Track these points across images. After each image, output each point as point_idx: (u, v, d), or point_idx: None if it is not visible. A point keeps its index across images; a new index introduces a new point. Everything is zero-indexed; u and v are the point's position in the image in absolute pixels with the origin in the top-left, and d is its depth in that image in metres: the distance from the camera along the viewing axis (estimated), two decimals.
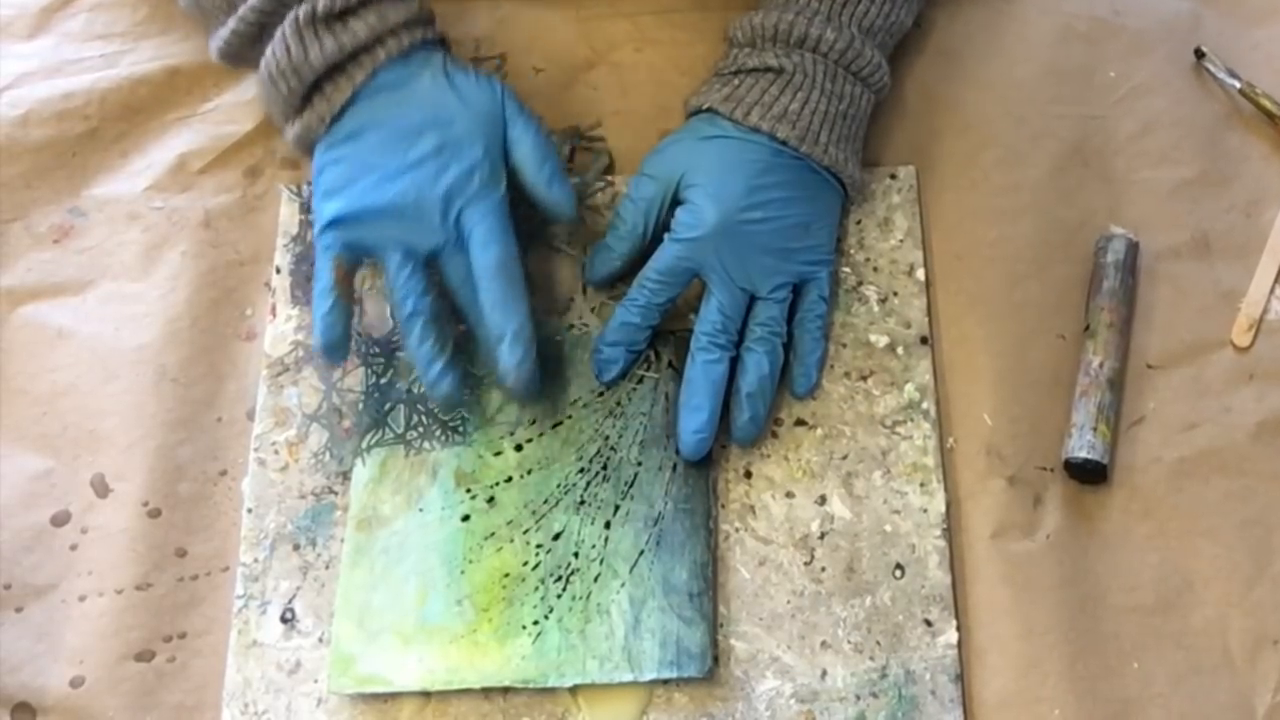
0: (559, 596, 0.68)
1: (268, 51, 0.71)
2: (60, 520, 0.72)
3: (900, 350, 0.74)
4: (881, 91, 0.77)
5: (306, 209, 0.79)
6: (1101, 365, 0.72)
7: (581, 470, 0.71)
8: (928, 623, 0.68)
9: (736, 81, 0.74)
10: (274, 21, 0.71)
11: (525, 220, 0.74)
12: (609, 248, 0.75)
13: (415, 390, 0.73)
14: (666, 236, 0.72)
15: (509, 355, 0.69)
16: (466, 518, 0.70)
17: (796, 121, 0.73)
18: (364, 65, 0.71)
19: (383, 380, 0.74)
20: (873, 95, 0.77)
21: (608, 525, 0.70)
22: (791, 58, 0.74)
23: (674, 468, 0.71)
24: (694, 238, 0.71)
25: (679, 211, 0.73)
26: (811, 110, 0.73)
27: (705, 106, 0.75)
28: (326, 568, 0.70)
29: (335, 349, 0.70)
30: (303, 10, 0.70)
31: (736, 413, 0.71)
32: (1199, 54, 0.82)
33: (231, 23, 0.72)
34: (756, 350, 0.71)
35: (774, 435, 0.73)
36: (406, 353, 0.71)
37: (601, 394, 0.73)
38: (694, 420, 0.70)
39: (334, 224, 0.70)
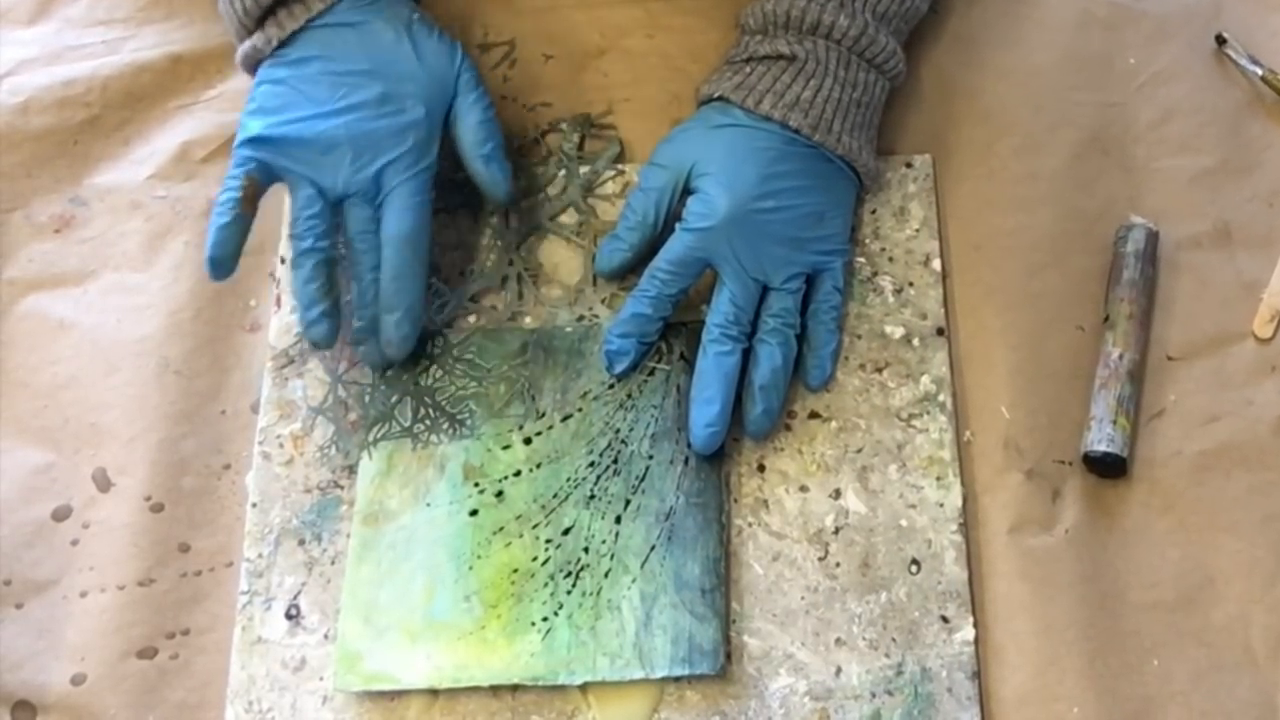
0: (569, 592, 0.67)
1: None
2: (61, 515, 0.71)
3: (916, 342, 0.74)
4: (897, 79, 0.76)
5: None
6: (1121, 357, 0.71)
7: (592, 464, 0.70)
8: (944, 619, 0.67)
9: (748, 69, 0.74)
10: None
11: (529, 206, 0.74)
12: (619, 238, 0.74)
13: (422, 383, 0.73)
14: (678, 226, 0.72)
15: (396, 329, 0.70)
16: (474, 512, 0.70)
17: (809, 110, 0.72)
18: None
19: (389, 372, 0.73)
20: (887, 82, 0.76)
21: (618, 520, 0.69)
22: (804, 45, 0.73)
23: (686, 461, 0.70)
24: (706, 227, 0.70)
25: (690, 201, 0.72)
26: (824, 98, 0.72)
27: (716, 95, 0.74)
28: (332, 563, 0.69)
29: (223, 264, 0.69)
30: None
31: (749, 405, 0.70)
32: (1220, 40, 0.81)
33: None
34: (769, 342, 0.71)
35: (787, 428, 0.72)
36: (291, 287, 0.71)
37: (612, 386, 0.72)
38: (706, 413, 0.69)
39: (255, 141, 0.70)
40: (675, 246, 0.71)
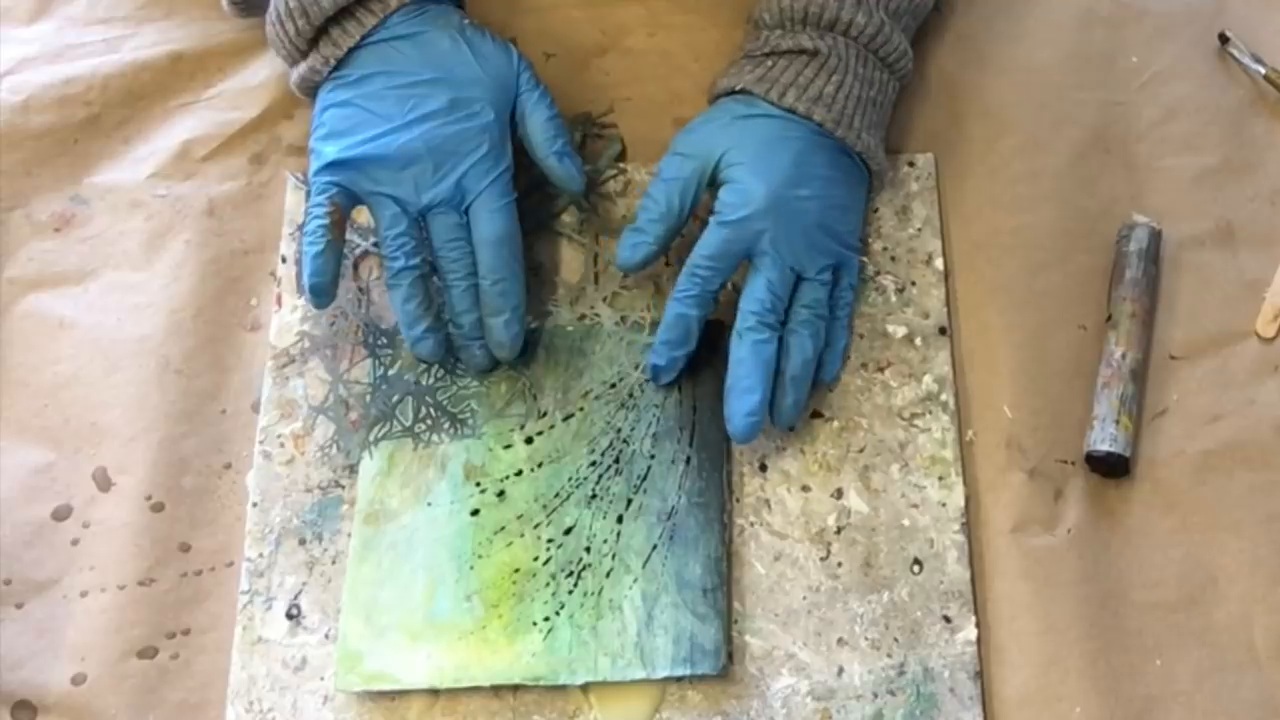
0: (570, 592, 0.67)
1: None
2: (62, 514, 0.71)
3: (918, 341, 0.73)
4: (905, 78, 0.76)
5: None
6: (1124, 356, 0.71)
7: (593, 463, 0.70)
8: (946, 619, 0.67)
9: (770, 63, 0.73)
10: None
11: (531, 204, 0.73)
12: (642, 230, 0.72)
13: (423, 382, 0.73)
14: (712, 220, 0.71)
15: (505, 330, 0.70)
16: (476, 512, 0.69)
17: (832, 105, 0.72)
18: (374, 11, 0.71)
19: (390, 371, 0.73)
20: (897, 82, 0.76)
21: (620, 519, 0.69)
22: (825, 40, 0.73)
23: (687, 461, 0.70)
24: (743, 217, 0.70)
25: (722, 192, 0.71)
26: (845, 94, 0.72)
27: (738, 88, 0.73)
28: (333, 563, 0.69)
29: (324, 291, 0.70)
30: None
31: (781, 396, 0.70)
32: (1223, 39, 0.81)
33: None
34: (802, 333, 0.70)
35: (789, 427, 0.71)
36: (392, 307, 0.71)
37: (613, 385, 0.72)
38: (747, 402, 0.68)
39: (334, 166, 0.70)
40: (712, 240, 0.70)
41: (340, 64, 0.72)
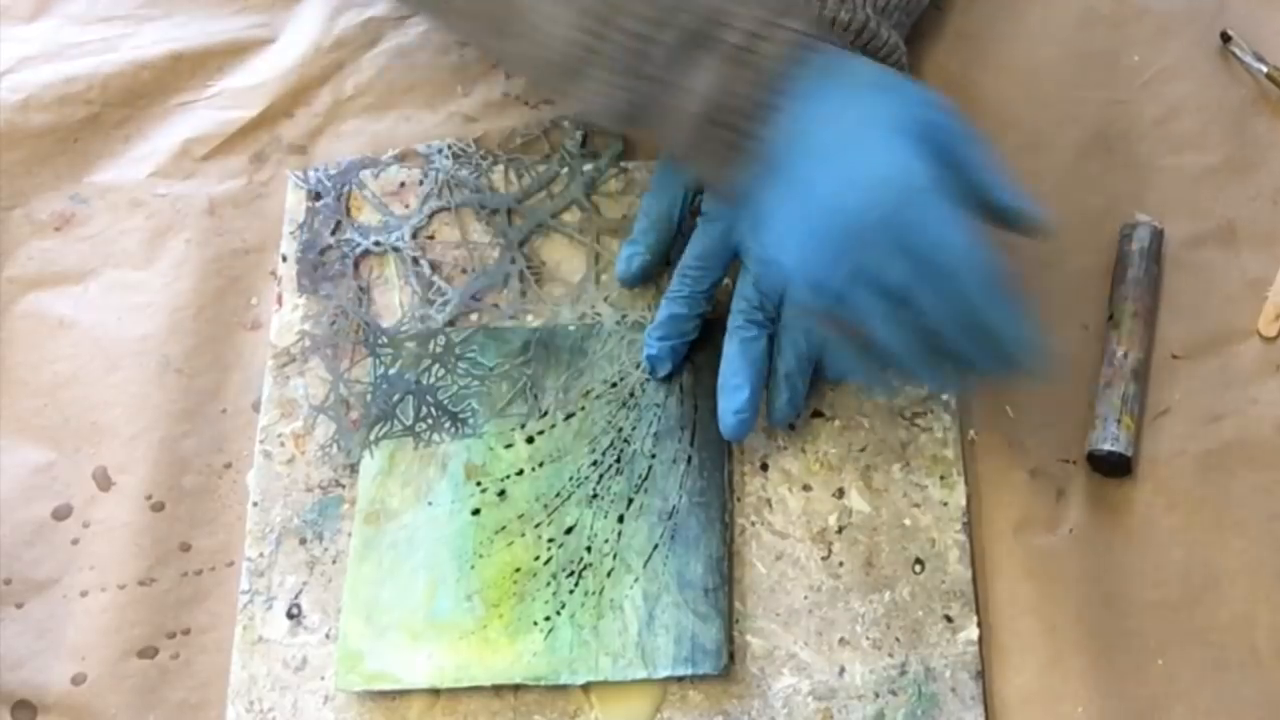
0: (571, 592, 0.67)
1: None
2: (62, 514, 0.71)
3: None
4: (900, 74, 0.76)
5: (314, 196, 0.78)
6: (1126, 355, 0.71)
7: (594, 463, 0.70)
8: (948, 618, 0.67)
9: None
10: None
11: (531, 204, 0.73)
12: (635, 242, 0.73)
13: (424, 381, 0.73)
14: (699, 220, 0.71)
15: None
16: (477, 511, 0.69)
17: None
18: None
19: (391, 371, 0.73)
20: None
21: (621, 519, 0.69)
22: None
23: (689, 460, 0.70)
24: (725, 214, 0.70)
25: (707, 192, 0.71)
26: None
27: None
28: (334, 562, 0.69)
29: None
30: None
31: (774, 394, 0.70)
32: (1225, 37, 0.81)
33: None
34: (794, 329, 0.70)
35: (790, 427, 0.71)
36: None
37: (614, 385, 0.72)
38: (735, 400, 0.68)
39: None
40: (699, 240, 0.71)
41: None
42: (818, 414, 0.72)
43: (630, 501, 0.69)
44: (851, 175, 0.59)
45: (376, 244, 0.77)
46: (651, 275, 0.74)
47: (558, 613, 0.66)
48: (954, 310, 0.57)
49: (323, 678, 0.67)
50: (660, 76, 0.62)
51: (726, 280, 0.72)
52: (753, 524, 0.69)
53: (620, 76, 0.63)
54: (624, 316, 0.74)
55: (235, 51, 0.83)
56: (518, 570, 0.68)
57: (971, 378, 0.62)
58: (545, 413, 0.72)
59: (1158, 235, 0.74)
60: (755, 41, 0.61)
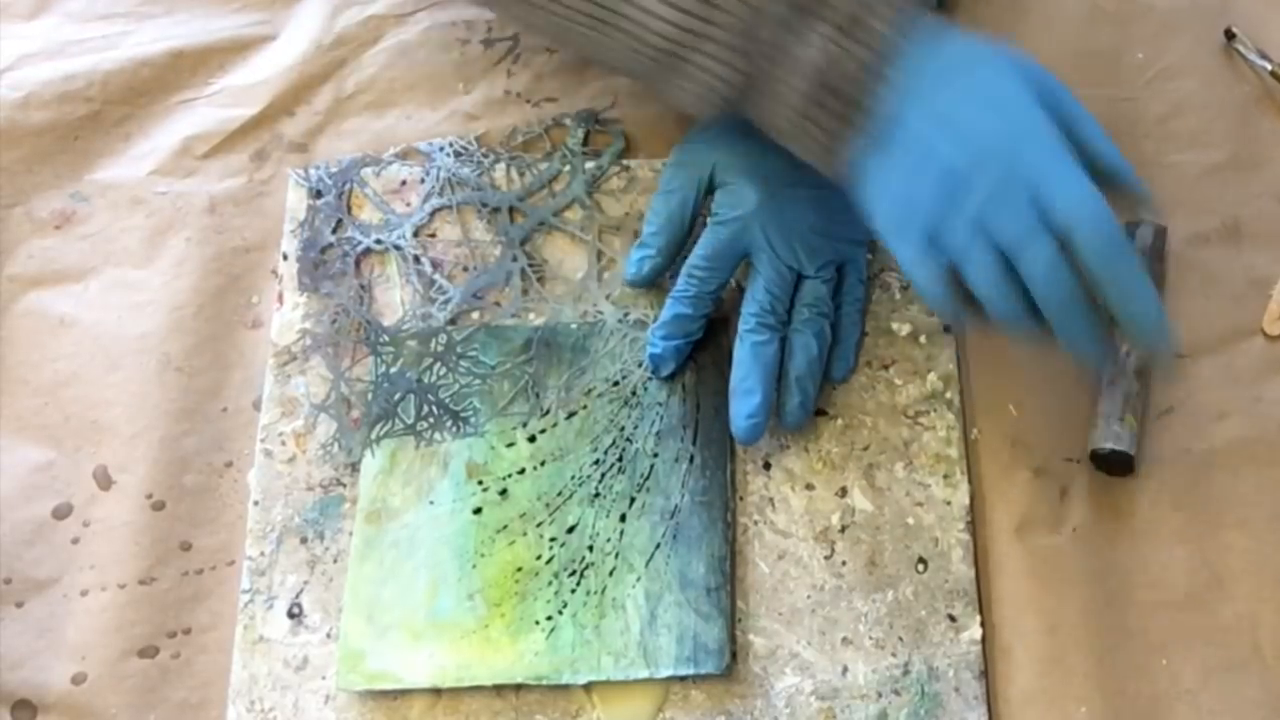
0: (573, 591, 0.67)
1: None
2: (62, 513, 0.71)
3: (923, 339, 0.73)
4: None
5: (315, 194, 0.78)
6: (1129, 354, 0.70)
7: (596, 462, 0.70)
8: (951, 618, 0.67)
9: None
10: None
11: (533, 202, 0.72)
12: (646, 245, 0.73)
13: (425, 380, 0.72)
14: (709, 221, 0.71)
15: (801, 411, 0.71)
16: (478, 510, 0.69)
17: None
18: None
19: (392, 369, 0.73)
20: None
21: (623, 518, 0.68)
22: None
23: (691, 459, 0.70)
24: (736, 217, 0.70)
25: (718, 195, 0.71)
26: None
27: None
28: (335, 562, 0.69)
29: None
30: None
31: (785, 397, 0.70)
32: (1229, 35, 0.81)
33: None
34: (804, 332, 0.70)
35: (797, 428, 0.71)
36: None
37: (617, 383, 0.72)
38: (747, 404, 0.68)
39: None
40: (709, 241, 0.71)
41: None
42: (821, 412, 0.72)
43: (632, 500, 0.69)
44: (975, 129, 0.60)
45: (378, 242, 0.76)
46: (662, 277, 0.74)
47: (560, 612, 0.66)
48: (1070, 268, 0.58)
49: (324, 677, 0.67)
50: (769, 50, 0.62)
51: (732, 282, 0.72)
52: (755, 523, 0.69)
53: (728, 53, 0.63)
54: (626, 314, 0.74)
55: (236, 49, 0.83)
56: (519, 569, 0.67)
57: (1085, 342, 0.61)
58: (547, 411, 0.72)
59: (1161, 233, 0.74)
60: (863, 12, 0.61)
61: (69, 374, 0.74)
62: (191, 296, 0.76)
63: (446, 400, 0.72)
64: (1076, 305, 0.59)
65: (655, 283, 0.74)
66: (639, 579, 0.67)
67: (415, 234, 0.77)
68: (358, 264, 0.76)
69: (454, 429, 0.71)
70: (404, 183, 0.79)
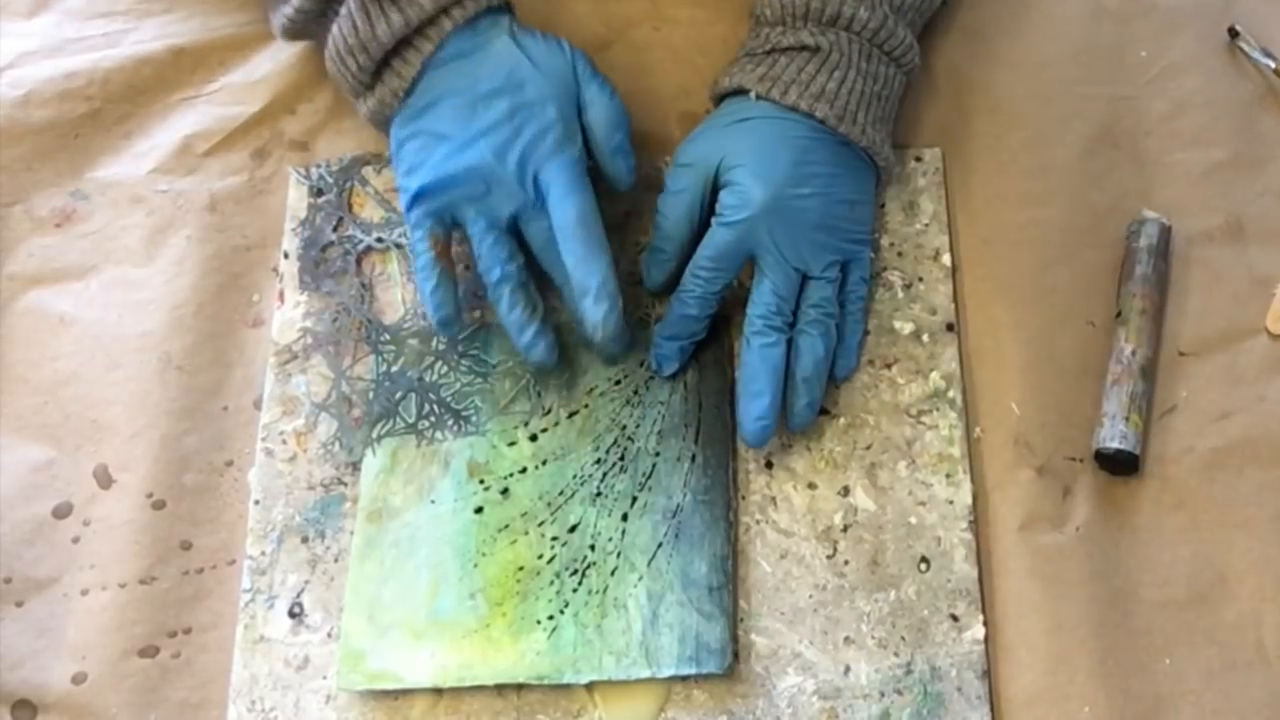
0: (575, 590, 0.67)
1: (334, 29, 0.72)
2: (62, 512, 0.71)
3: (925, 337, 0.73)
4: (912, 73, 0.76)
5: (316, 192, 0.78)
6: (1134, 353, 0.70)
7: (598, 461, 0.70)
8: (954, 617, 0.67)
9: (771, 60, 0.73)
10: None
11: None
12: (658, 249, 0.73)
13: (426, 378, 0.72)
14: (714, 221, 0.71)
15: (594, 309, 0.69)
16: (480, 509, 0.69)
17: (834, 101, 0.71)
18: (431, 37, 0.71)
19: (393, 368, 0.73)
20: (904, 76, 0.75)
21: (625, 517, 0.68)
22: (827, 36, 0.72)
23: (693, 458, 0.70)
24: (743, 218, 0.69)
25: (723, 195, 0.71)
26: (849, 90, 0.71)
27: (739, 86, 0.73)
28: (336, 561, 0.69)
29: (450, 323, 0.71)
30: None
31: (793, 398, 0.70)
32: (1232, 33, 0.80)
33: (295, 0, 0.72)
34: (811, 333, 0.70)
35: (804, 429, 0.71)
36: (498, 320, 0.71)
37: (618, 382, 0.72)
38: (756, 407, 0.68)
39: (418, 198, 0.70)
40: (714, 242, 0.70)
41: (407, 93, 0.72)
42: (823, 411, 0.71)
43: (634, 500, 0.69)
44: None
45: (379, 240, 0.76)
46: (678, 279, 0.73)
47: (561, 611, 0.66)
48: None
49: (325, 677, 0.66)
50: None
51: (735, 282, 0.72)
52: (757, 522, 0.69)
53: None
54: (628, 313, 0.74)
55: (237, 47, 0.83)
56: (521, 569, 0.67)
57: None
58: (548, 410, 0.71)
59: (1165, 232, 0.74)
60: None
61: (69, 373, 0.74)
62: (192, 295, 0.76)
63: (448, 399, 0.72)
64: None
65: (673, 285, 0.73)
66: (641, 578, 0.67)
67: None
68: (359, 262, 0.76)
69: (455, 428, 0.71)
70: None
